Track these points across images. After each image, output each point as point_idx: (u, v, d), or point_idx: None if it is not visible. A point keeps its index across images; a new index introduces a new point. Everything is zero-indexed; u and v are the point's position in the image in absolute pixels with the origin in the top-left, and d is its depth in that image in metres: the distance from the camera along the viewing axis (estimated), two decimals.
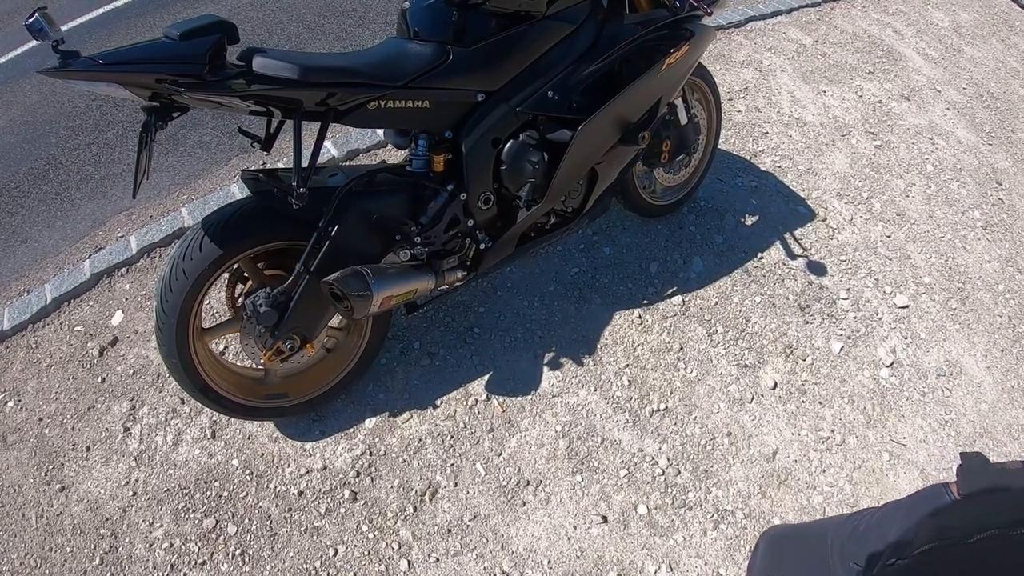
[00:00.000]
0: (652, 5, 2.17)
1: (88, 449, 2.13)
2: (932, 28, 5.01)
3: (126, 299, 2.56)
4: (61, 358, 2.38)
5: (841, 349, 2.54)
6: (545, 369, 2.35)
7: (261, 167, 1.94)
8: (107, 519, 1.98)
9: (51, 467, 2.10)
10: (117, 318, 2.48)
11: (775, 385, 2.38)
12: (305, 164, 1.70)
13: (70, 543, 1.95)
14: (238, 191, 2.89)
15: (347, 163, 3.08)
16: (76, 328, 2.47)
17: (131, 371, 2.32)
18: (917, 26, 4.97)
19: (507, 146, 1.99)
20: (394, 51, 1.78)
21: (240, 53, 1.58)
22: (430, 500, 2.03)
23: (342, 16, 4.22)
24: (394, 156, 3.06)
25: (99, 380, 2.31)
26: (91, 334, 2.45)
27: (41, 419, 2.21)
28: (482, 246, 2.10)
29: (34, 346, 2.43)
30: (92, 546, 1.94)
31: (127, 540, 1.94)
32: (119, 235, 2.84)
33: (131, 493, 2.03)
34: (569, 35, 1.99)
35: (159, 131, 1.60)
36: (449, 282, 2.08)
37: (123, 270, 2.67)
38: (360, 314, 1.80)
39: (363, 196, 1.84)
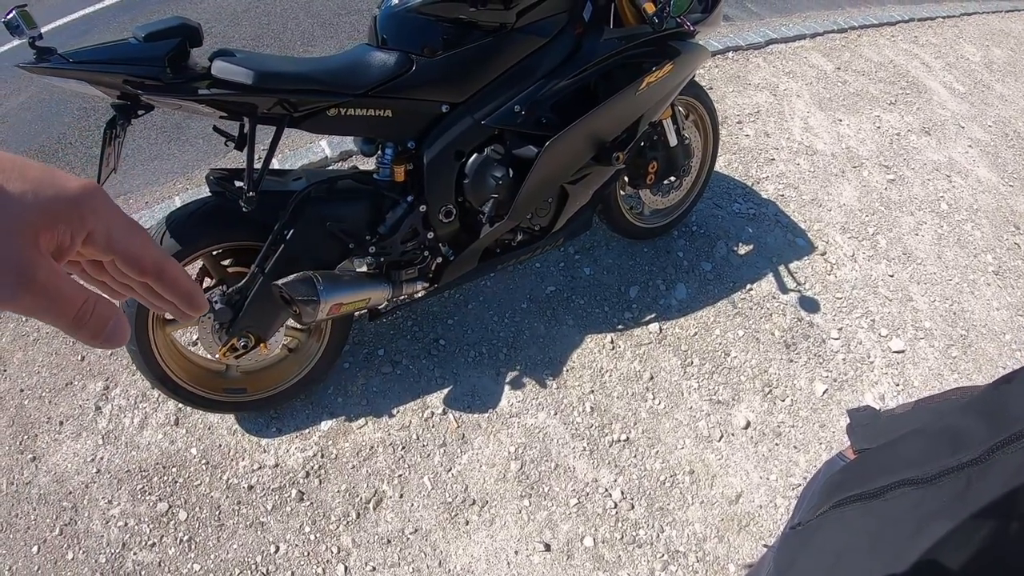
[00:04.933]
0: (637, 20, 2.09)
1: (61, 423, 2.17)
2: (962, 62, 4.88)
3: None
4: (47, 333, 2.42)
5: (825, 392, 2.46)
6: (506, 388, 2.32)
7: (231, 167, 1.94)
8: (70, 492, 2.02)
9: (26, 437, 2.14)
10: None
11: (748, 424, 2.32)
12: (259, 168, 1.69)
13: (35, 511, 1.99)
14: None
15: (338, 164, 3.07)
16: None
17: (109, 352, 2.36)
18: (947, 59, 4.85)
19: (471, 159, 1.96)
20: (358, 58, 1.77)
21: (211, 54, 1.59)
22: (374, 508, 2.02)
23: (357, 15, 4.23)
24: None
25: (79, 358, 2.34)
26: None
27: (22, 390, 2.26)
28: (444, 259, 2.07)
29: (23, 319, 2.47)
30: (54, 516, 1.98)
31: (86, 515, 1.98)
32: None
33: (95, 470, 2.07)
34: (540, 48, 1.94)
35: (125, 128, 1.61)
36: (408, 293, 2.06)
37: None
38: (308, 319, 1.80)
39: (320, 202, 1.83)
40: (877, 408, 0.85)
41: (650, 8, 1.93)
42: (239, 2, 4.33)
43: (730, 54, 4.20)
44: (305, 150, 3.12)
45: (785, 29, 4.50)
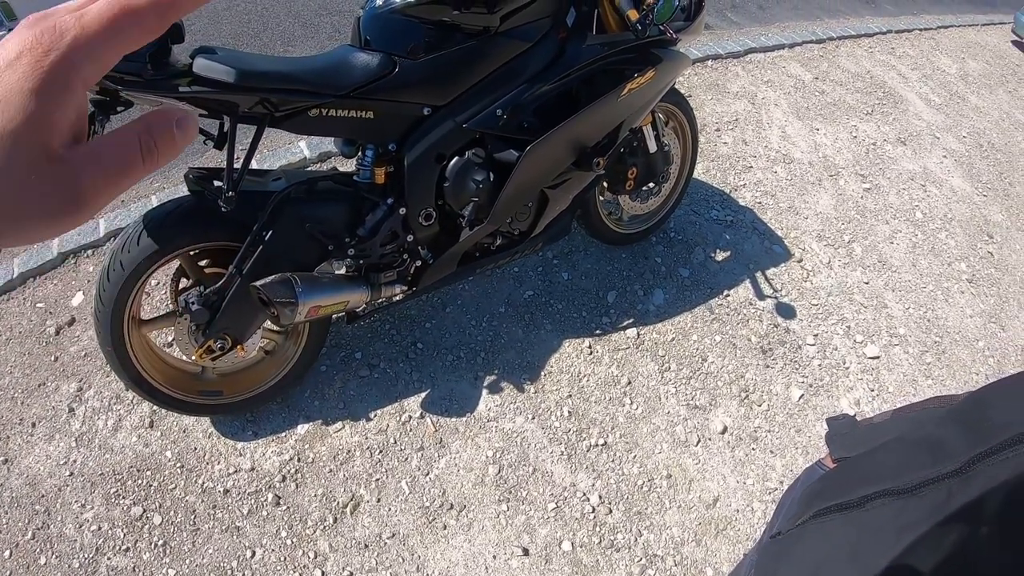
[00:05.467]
0: (620, 27, 2.10)
1: (34, 425, 2.14)
2: (938, 74, 4.96)
3: (88, 280, 2.56)
4: (20, 332, 2.38)
5: (801, 397, 2.49)
6: (484, 392, 2.32)
7: (210, 166, 1.93)
8: (43, 495, 1.99)
9: None
10: (77, 299, 2.48)
11: (725, 429, 2.34)
12: (239, 167, 1.68)
13: (7, 515, 1.95)
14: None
15: (318, 165, 3.05)
16: (38, 305, 2.47)
17: (83, 353, 2.32)
18: (923, 70, 4.92)
19: (451, 163, 1.96)
20: (341, 59, 1.76)
21: (192, 51, 1.57)
22: (351, 513, 2.01)
23: (338, 16, 4.21)
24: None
25: (52, 359, 2.30)
26: (51, 312, 2.45)
27: None
28: (423, 262, 2.07)
29: None
30: (27, 520, 1.94)
31: (59, 518, 1.95)
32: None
33: (68, 473, 2.04)
34: (523, 53, 1.95)
35: (104, 124, 1.60)
36: (386, 296, 2.05)
37: (89, 252, 2.67)
38: (286, 321, 1.79)
39: (299, 203, 1.82)
40: (856, 416, 0.85)
41: (633, 15, 1.93)
42: (220, 1, 4.30)
43: (709, 62, 4.23)
44: (284, 150, 3.11)
45: (764, 39, 4.55)
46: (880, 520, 0.63)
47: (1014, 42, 9.38)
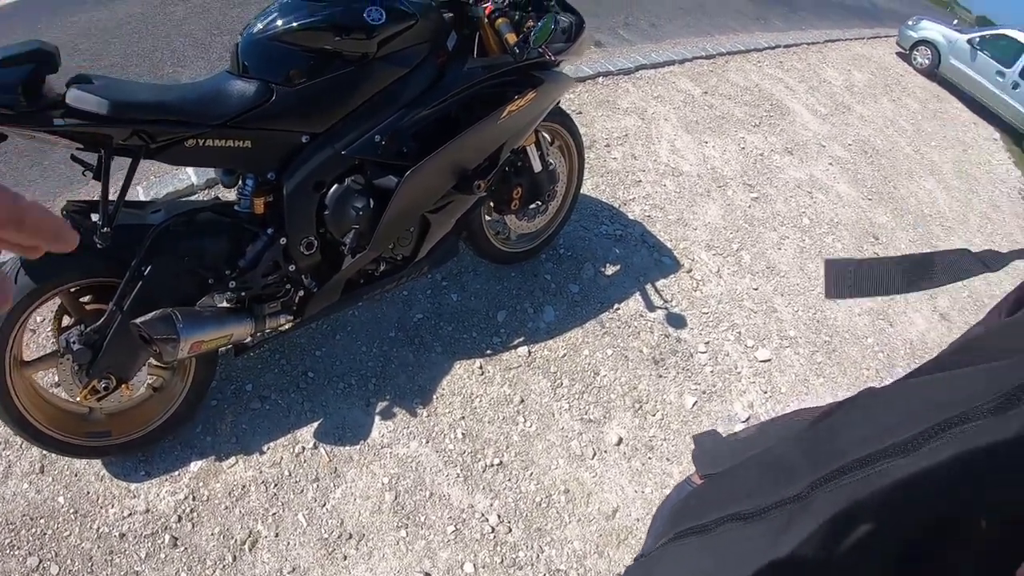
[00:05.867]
0: (501, 50, 2.10)
1: None
2: (825, 86, 5.19)
3: None
4: None
5: (695, 404, 2.53)
6: (377, 418, 2.28)
7: (90, 199, 1.85)
8: None
9: None
10: None
11: (620, 441, 2.36)
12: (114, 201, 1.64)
13: None
14: None
15: (204, 192, 2.98)
16: None
17: None
18: (810, 83, 5.14)
19: (331, 191, 1.93)
20: (217, 87, 1.72)
21: (69, 80, 1.52)
22: (250, 550, 1.95)
23: (230, 35, 4.14)
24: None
25: None
26: None
27: None
28: (307, 291, 2.03)
29: None
30: None
31: None
32: None
33: None
34: (402, 77, 1.94)
35: None
36: (272, 327, 2.00)
37: None
38: (169, 358, 1.74)
39: (178, 236, 1.77)
40: (722, 433, 0.85)
41: (511, 38, 1.95)
42: (112, 18, 4.17)
43: (600, 79, 4.32)
44: (171, 177, 3.02)
45: (655, 55, 4.68)
46: (729, 544, 0.63)
47: (898, 54, 9.95)
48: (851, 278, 0.68)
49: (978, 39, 10.25)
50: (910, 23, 10.62)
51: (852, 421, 0.64)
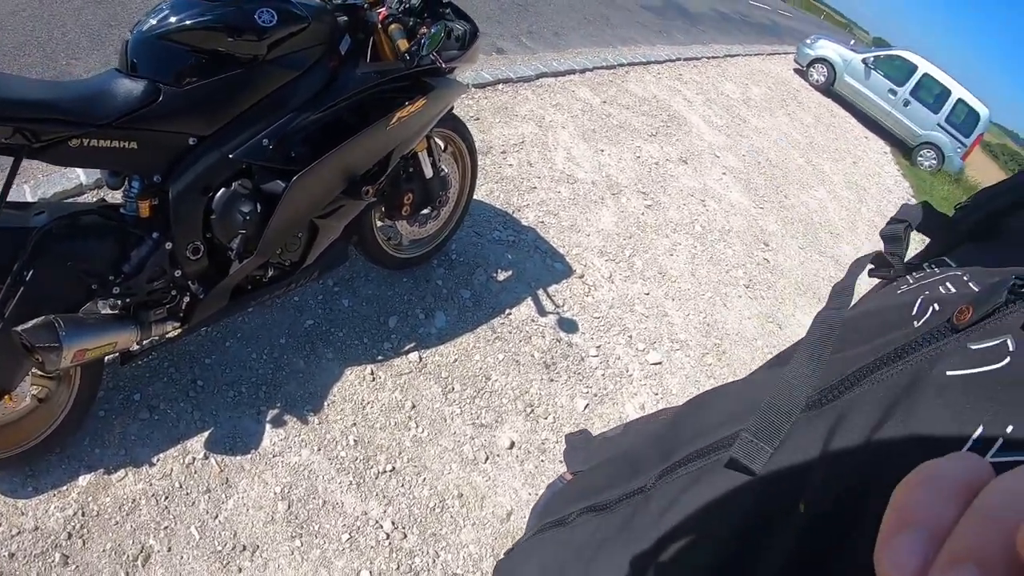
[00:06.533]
0: (395, 56, 2.11)
1: None
2: (722, 98, 5.37)
3: None
4: None
5: (586, 407, 2.58)
6: (268, 427, 2.24)
7: None
8: None
9: None
10: None
11: (512, 444, 2.38)
12: None
13: None
14: None
15: (94, 192, 2.86)
16: None
17: None
18: (708, 95, 5.32)
19: (218, 195, 1.88)
20: (104, 85, 1.66)
21: None
22: (143, 565, 1.87)
23: (125, 28, 4.01)
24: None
25: None
26: None
27: None
28: (194, 297, 1.98)
29: None
30: None
31: None
32: None
33: None
34: (292, 80, 1.91)
35: None
36: (158, 334, 1.94)
37: None
38: (52, 367, 1.66)
39: (62, 239, 1.69)
40: (591, 433, 0.87)
41: (403, 45, 1.96)
42: (6, 5, 3.97)
43: (500, 86, 4.36)
44: (59, 175, 2.89)
45: (556, 64, 4.75)
46: (583, 536, 0.65)
47: (796, 70, 10.44)
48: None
49: (872, 59, 10.93)
50: (808, 41, 11.20)
51: (697, 412, 0.68)
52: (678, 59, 5.81)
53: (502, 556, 0.84)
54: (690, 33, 6.81)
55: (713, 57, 6.31)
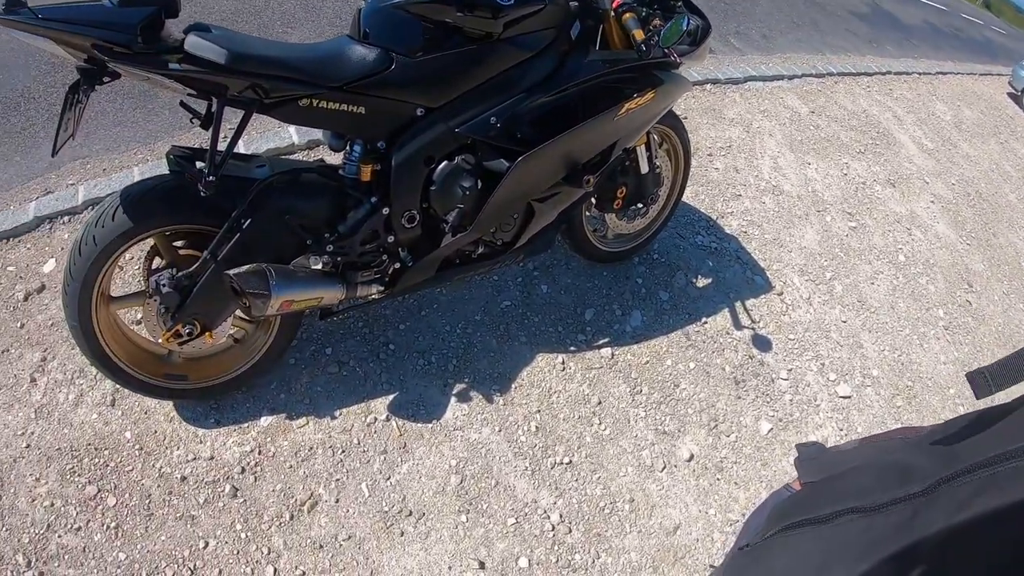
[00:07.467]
0: (624, 45, 2.08)
1: None
2: (933, 119, 5.00)
3: (61, 248, 2.50)
4: None
5: (770, 431, 2.48)
6: (452, 399, 2.29)
7: (194, 146, 1.88)
8: None
9: None
10: (49, 265, 2.43)
11: (691, 457, 2.32)
12: (222, 151, 1.65)
13: None
14: None
15: (305, 152, 3.02)
16: (8, 268, 2.41)
17: (50, 322, 2.27)
18: (919, 114, 4.96)
19: (440, 166, 1.93)
20: (338, 50, 1.72)
21: (187, 27, 1.54)
22: (308, 511, 1.97)
23: (341, 1, 4.17)
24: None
25: (19, 325, 2.25)
26: (21, 276, 2.39)
27: None
28: (402, 264, 2.04)
29: None
30: None
31: (12, 491, 1.89)
32: (70, 182, 2.78)
33: (24, 445, 1.98)
34: (524, 62, 1.92)
35: (89, 94, 1.56)
36: (362, 296, 2.02)
37: (65, 218, 2.61)
38: (258, 313, 1.75)
39: (281, 193, 1.78)
40: (824, 444, 0.88)
41: (639, 35, 1.92)
42: None
43: (708, 86, 4.25)
44: (272, 134, 3.07)
45: (765, 68, 4.57)
46: (848, 535, 0.65)
47: (1010, 94, 9.53)
48: (989, 379, 0.69)
49: None
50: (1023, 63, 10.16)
51: (975, 429, 0.67)
52: (888, 72, 5.45)
53: (735, 551, 0.83)
54: (902, 46, 6.36)
55: (924, 73, 5.87)
